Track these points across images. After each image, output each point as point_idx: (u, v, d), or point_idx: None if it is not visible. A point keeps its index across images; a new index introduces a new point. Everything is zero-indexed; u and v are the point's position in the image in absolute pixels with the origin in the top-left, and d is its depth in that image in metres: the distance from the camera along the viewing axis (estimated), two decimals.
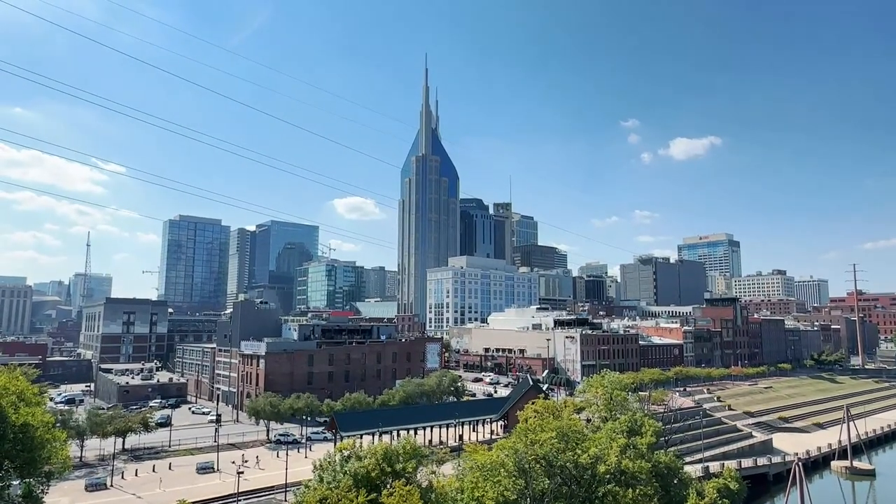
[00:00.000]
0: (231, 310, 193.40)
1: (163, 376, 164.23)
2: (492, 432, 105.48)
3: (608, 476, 58.91)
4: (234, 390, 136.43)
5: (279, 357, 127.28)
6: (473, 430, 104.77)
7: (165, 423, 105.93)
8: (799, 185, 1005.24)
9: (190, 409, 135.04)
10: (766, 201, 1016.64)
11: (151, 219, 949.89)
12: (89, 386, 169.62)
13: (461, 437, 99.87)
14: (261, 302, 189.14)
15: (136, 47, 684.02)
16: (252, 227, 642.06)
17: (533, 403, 66.11)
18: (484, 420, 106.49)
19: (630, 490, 59.29)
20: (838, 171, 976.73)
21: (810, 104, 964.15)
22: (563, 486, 56.38)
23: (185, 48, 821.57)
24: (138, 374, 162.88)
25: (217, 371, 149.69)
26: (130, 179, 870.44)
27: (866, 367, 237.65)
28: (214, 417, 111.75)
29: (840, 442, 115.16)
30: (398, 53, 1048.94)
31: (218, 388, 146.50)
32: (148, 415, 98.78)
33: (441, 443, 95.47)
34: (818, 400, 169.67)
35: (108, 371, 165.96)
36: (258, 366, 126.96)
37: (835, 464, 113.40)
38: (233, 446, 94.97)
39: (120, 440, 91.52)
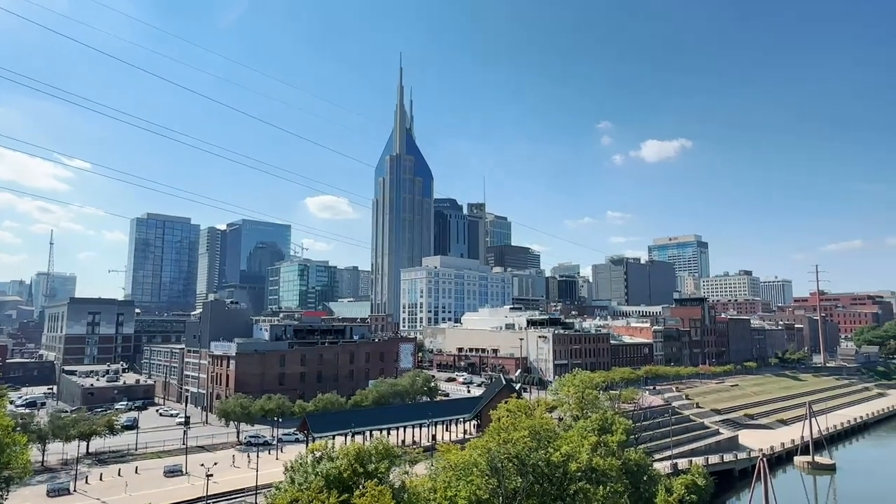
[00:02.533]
0: (201, 310, 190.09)
1: (129, 378, 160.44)
2: (465, 432, 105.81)
3: (579, 474, 59.60)
4: (204, 392, 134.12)
5: (250, 358, 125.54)
6: (447, 430, 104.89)
7: (132, 425, 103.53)
8: (766, 187, 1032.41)
9: (158, 411, 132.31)
10: (734, 203, 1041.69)
11: (118, 217, 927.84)
12: (52, 388, 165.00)
13: (434, 436, 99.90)
14: (231, 302, 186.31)
15: (104, 41, 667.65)
16: (222, 226, 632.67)
17: (506, 403, 66.50)
18: (457, 420, 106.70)
19: (601, 487, 60.13)
20: (804, 174, 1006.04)
21: (779, 107, 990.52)
22: (535, 485, 56.82)
23: (155, 43, 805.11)
24: (104, 376, 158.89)
25: (186, 372, 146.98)
26: (96, 176, 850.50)
27: (828, 365, 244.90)
28: (183, 419, 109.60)
29: (802, 438, 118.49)
30: (372, 52, 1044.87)
31: (187, 390, 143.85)
32: (114, 417, 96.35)
33: (414, 443, 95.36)
34: (782, 397, 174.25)
35: (72, 373, 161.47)
36: (228, 367, 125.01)
37: (797, 459, 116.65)
38: (202, 449, 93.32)
39: (84, 444, 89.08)
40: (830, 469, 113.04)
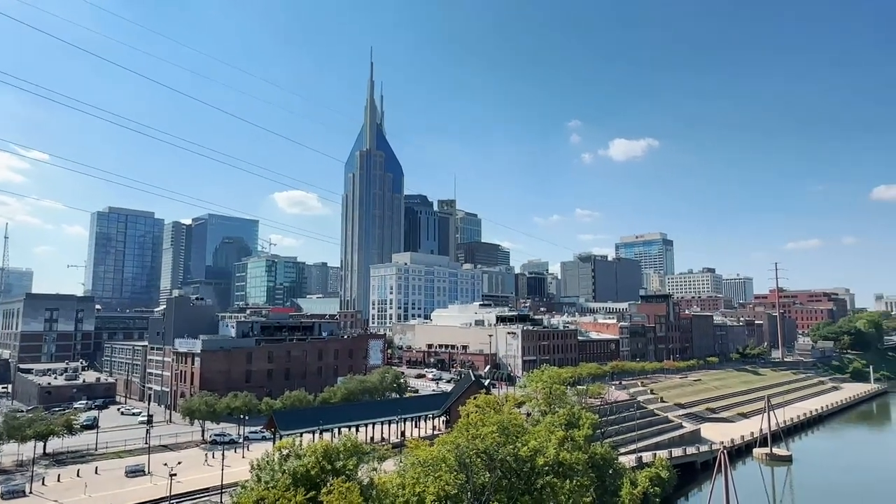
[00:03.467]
0: (164, 306, 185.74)
1: (89, 376, 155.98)
2: (434, 428, 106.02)
3: (547, 468, 60.34)
4: (168, 390, 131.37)
5: (216, 355, 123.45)
6: (416, 426, 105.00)
7: (92, 425, 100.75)
8: (729, 186, 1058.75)
9: (119, 410, 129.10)
10: (698, 202, 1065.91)
11: (78, 210, 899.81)
12: (6, 387, 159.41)
13: (403, 433, 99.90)
14: (196, 298, 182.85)
15: (63, 28, 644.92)
16: (188, 221, 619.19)
17: (475, 398, 66.86)
18: (426, 416, 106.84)
19: (567, 481, 60.99)
20: (766, 174, 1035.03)
21: (744, 108, 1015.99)
22: (503, 479, 57.31)
23: (119, 33, 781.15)
24: (62, 375, 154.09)
25: (149, 370, 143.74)
26: (55, 168, 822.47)
27: (786, 359, 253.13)
28: (146, 418, 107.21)
29: (761, 430, 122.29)
30: (343, 46, 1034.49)
31: (150, 388, 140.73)
32: (72, 417, 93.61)
33: (383, 439, 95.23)
34: (742, 391, 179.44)
35: (28, 371, 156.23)
36: (193, 364, 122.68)
37: (756, 451, 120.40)
38: (165, 448, 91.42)
39: (41, 444, 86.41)
40: (787, 460, 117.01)
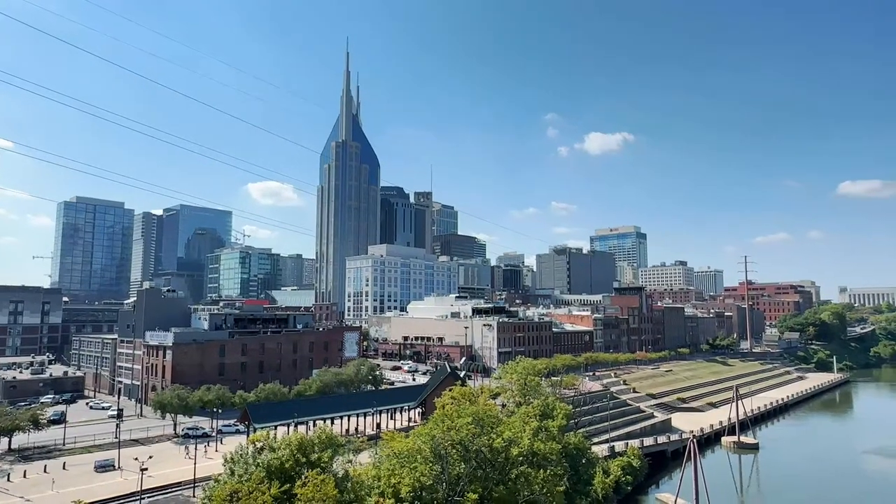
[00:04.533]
0: (135, 298, 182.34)
1: (56, 370, 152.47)
2: (410, 420, 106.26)
3: (521, 458, 61.03)
4: (138, 383, 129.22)
5: (188, 348, 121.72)
6: (391, 418, 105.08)
7: (59, 419, 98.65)
8: (702, 181, 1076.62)
9: (88, 404, 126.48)
10: (671, 196, 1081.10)
11: (44, 200, 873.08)
12: None
13: (379, 425, 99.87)
14: (168, 290, 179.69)
15: (31, 13, 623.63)
16: (159, 211, 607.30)
17: (450, 390, 67.26)
18: (402, 408, 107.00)
19: (541, 471, 61.78)
20: (738, 169, 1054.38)
21: (717, 103, 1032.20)
22: (478, 470, 57.81)
23: (89, 18, 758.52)
24: (27, 368, 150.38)
25: (119, 363, 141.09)
26: (19, 156, 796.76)
27: (754, 350, 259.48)
28: (115, 412, 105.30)
29: (730, 420, 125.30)
30: (320, 36, 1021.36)
31: (120, 382, 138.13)
32: (39, 411, 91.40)
33: (358, 432, 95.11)
34: (712, 381, 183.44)
35: None
36: (165, 357, 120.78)
37: (725, 439, 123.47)
38: (136, 442, 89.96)
39: (6, 440, 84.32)
40: (754, 448, 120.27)
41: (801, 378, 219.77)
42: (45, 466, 76.38)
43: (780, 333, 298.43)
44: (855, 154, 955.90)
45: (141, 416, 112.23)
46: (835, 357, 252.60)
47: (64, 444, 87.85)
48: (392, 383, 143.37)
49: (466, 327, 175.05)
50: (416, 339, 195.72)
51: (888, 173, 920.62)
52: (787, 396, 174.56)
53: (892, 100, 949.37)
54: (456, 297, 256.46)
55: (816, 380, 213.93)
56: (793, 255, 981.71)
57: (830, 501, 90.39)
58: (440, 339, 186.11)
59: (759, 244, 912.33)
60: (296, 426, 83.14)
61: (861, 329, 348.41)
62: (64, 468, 76.13)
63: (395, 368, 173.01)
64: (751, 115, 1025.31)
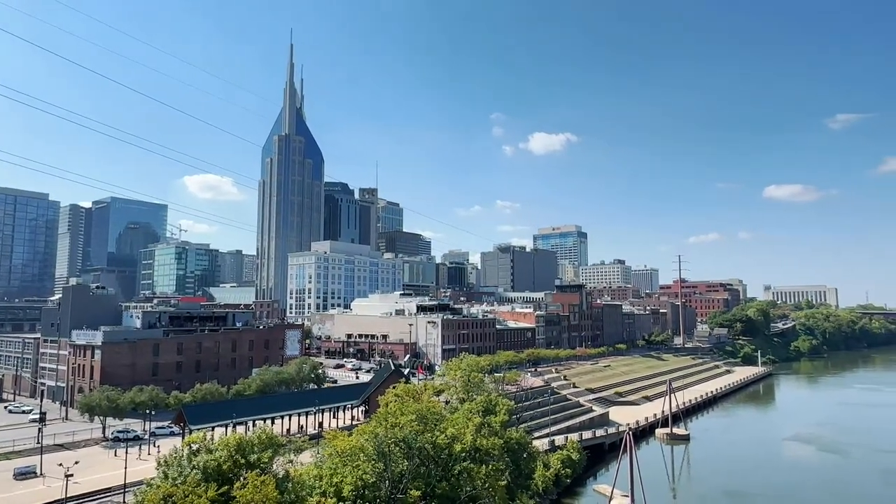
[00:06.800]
0: (60, 296, 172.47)
1: None
2: (353, 418, 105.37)
3: (464, 454, 61.62)
4: (64, 385, 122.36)
5: (119, 347, 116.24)
6: (334, 417, 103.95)
7: None
8: (640, 182, 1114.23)
9: (7, 408, 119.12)
10: (611, 196, 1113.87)
11: None
12: None
13: (322, 424, 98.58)
14: (97, 287, 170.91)
15: None
16: (87, 204, 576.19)
17: (394, 388, 67.10)
18: (345, 406, 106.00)
19: (484, 466, 62.54)
20: (673, 172, 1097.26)
21: (656, 106, 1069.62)
22: (421, 467, 57.99)
23: None
24: None
25: (42, 364, 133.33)
26: None
27: (686, 345, 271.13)
28: (38, 416, 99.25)
29: (663, 412, 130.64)
30: (262, 27, 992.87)
31: (42, 384, 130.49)
32: None
33: (300, 430, 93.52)
34: (647, 376, 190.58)
35: None
36: (93, 357, 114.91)
37: (658, 431, 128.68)
38: (61, 447, 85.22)
39: None
40: (685, 439, 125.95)
41: (728, 372, 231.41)
42: None
43: (711, 329, 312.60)
44: (779, 159, 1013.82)
45: (66, 419, 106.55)
46: (759, 352, 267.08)
47: None
48: (335, 382, 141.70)
49: (411, 325, 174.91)
50: (361, 336, 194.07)
51: (808, 178, 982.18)
52: (716, 389, 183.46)
53: (813, 110, 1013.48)
54: (401, 294, 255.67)
55: (742, 373, 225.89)
56: (723, 254, 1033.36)
57: (753, 485, 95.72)
58: (384, 337, 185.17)
59: (692, 244, 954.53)
60: (234, 427, 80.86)
61: (783, 325, 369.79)
62: None
63: (339, 366, 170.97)
64: (687, 121, 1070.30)
